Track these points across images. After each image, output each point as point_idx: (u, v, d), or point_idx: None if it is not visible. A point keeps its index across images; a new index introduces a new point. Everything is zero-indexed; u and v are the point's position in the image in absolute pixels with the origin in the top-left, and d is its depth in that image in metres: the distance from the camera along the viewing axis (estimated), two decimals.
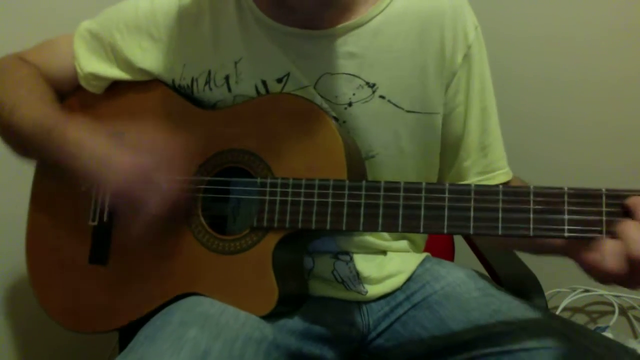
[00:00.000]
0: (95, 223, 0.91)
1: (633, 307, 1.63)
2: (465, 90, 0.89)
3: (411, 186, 0.73)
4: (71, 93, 0.98)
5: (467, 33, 0.88)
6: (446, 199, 0.70)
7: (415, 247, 1.01)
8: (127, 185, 0.79)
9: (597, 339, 0.75)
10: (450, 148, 0.92)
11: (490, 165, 0.92)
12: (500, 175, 0.92)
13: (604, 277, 0.64)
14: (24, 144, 0.89)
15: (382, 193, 0.74)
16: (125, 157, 0.80)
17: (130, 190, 0.79)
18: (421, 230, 0.71)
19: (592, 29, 1.50)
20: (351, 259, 0.90)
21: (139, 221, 0.80)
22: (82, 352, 1.39)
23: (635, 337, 1.65)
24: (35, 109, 0.87)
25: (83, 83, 0.96)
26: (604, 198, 0.64)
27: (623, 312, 1.65)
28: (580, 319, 1.68)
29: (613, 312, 1.63)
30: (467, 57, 0.88)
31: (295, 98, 0.84)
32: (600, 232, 0.64)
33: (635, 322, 1.64)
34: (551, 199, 0.66)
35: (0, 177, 1.16)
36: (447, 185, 0.71)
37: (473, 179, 0.91)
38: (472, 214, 0.69)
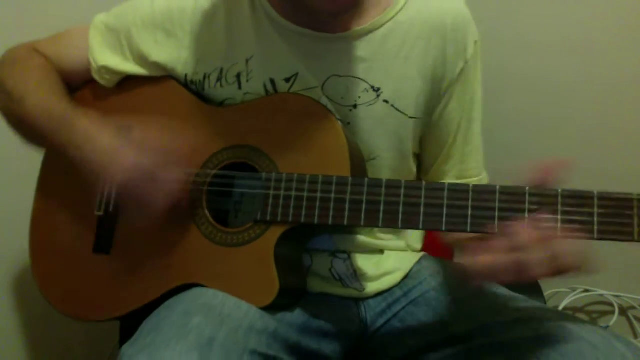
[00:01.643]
0: (101, 213, 0.92)
1: (633, 307, 1.63)
2: (458, 100, 0.92)
3: (412, 184, 0.74)
4: (83, 86, 0.99)
5: (466, 47, 0.90)
6: (445, 197, 0.72)
7: (413, 247, 1.02)
8: (132, 183, 0.80)
9: (592, 328, 0.75)
10: (433, 151, 0.95)
11: (466, 172, 0.96)
12: (473, 182, 0.95)
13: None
14: (33, 133, 0.90)
15: (383, 190, 0.75)
16: (131, 154, 0.81)
17: (134, 188, 0.80)
18: (420, 226, 0.73)
19: (592, 29, 1.49)
20: (349, 257, 0.92)
21: (142, 215, 0.82)
22: (83, 350, 1.39)
23: (635, 337, 1.64)
24: (45, 99, 0.88)
25: (96, 76, 0.96)
26: (595, 200, 0.66)
27: (623, 312, 1.64)
28: None
29: (613, 312, 1.62)
30: (463, 70, 0.91)
31: (302, 98, 0.85)
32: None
33: (635, 322, 1.64)
34: (546, 198, 0.67)
35: (4, 171, 1.16)
36: (446, 184, 0.73)
37: (448, 181, 0.94)
38: (469, 212, 0.71)
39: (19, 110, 0.89)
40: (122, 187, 0.81)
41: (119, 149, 0.81)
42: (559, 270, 0.64)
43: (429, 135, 0.94)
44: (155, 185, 0.80)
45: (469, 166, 0.96)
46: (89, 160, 0.83)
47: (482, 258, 0.65)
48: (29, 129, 0.91)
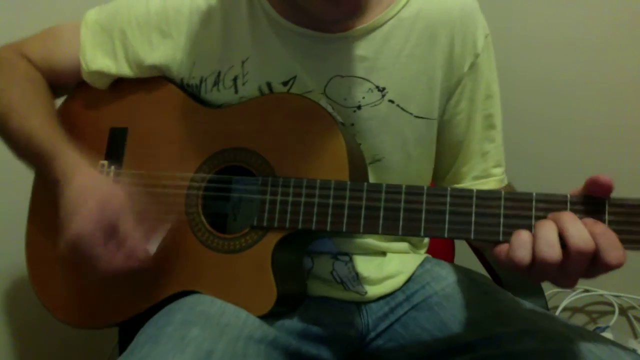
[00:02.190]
0: None
1: (633, 307, 1.64)
2: (470, 97, 0.89)
3: (413, 189, 0.72)
4: (75, 87, 0.97)
5: (476, 41, 0.88)
6: (447, 203, 0.70)
7: (415, 250, 1.00)
8: (76, 248, 0.77)
9: (600, 341, 0.74)
10: (450, 152, 0.93)
11: (486, 170, 0.92)
12: (492, 181, 0.92)
13: (510, 266, 0.64)
14: (17, 154, 0.90)
15: (383, 195, 0.73)
16: (82, 220, 0.77)
17: (82, 248, 0.77)
18: (422, 233, 0.71)
19: (593, 29, 1.49)
20: (350, 259, 0.90)
21: (88, 274, 0.80)
22: (82, 351, 1.39)
23: (635, 337, 1.65)
24: (26, 122, 0.87)
25: (87, 79, 0.94)
26: (606, 207, 0.63)
27: (623, 312, 1.65)
28: (580, 319, 1.68)
29: (613, 312, 1.63)
30: (474, 65, 0.88)
31: (300, 98, 0.83)
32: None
33: (635, 322, 1.65)
34: (554, 205, 0.65)
35: (1, 174, 1.15)
36: (448, 189, 0.70)
37: (467, 183, 0.92)
38: (473, 218, 0.68)
39: (4, 129, 0.89)
40: (72, 243, 0.77)
41: (78, 209, 0.78)
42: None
43: (443, 136, 0.91)
44: (91, 259, 0.77)
45: (491, 164, 0.92)
46: (62, 199, 0.80)
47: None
48: (13, 150, 0.90)
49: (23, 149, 0.88)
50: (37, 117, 0.88)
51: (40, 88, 0.92)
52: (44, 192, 0.95)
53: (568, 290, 1.63)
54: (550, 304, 1.61)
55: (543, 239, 0.62)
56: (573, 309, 1.67)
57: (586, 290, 1.63)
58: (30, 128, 0.86)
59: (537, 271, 0.62)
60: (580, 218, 0.63)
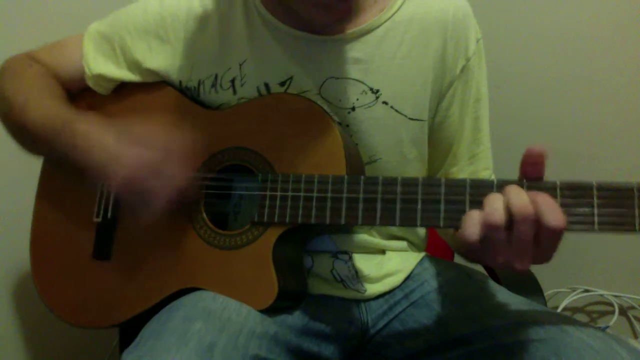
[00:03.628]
0: (100, 219, 0.92)
1: (633, 307, 1.63)
2: (461, 100, 0.91)
3: (408, 180, 0.73)
4: (78, 94, 0.99)
5: (468, 45, 0.90)
6: (442, 193, 0.71)
7: (414, 248, 1.01)
8: (135, 178, 0.78)
9: (593, 332, 0.74)
10: (440, 153, 0.95)
11: (475, 173, 0.94)
12: None
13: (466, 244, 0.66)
14: (34, 140, 0.89)
15: (380, 187, 0.75)
16: (134, 151, 0.78)
17: (138, 183, 0.78)
18: (418, 223, 0.72)
19: (592, 28, 1.50)
20: (350, 258, 0.91)
21: (146, 212, 0.80)
22: (83, 351, 1.39)
23: (635, 337, 1.64)
24: (45, 106, 0.88)
25: (91, 84, 0.96)
26: (594, 190, 0.65)
27: (623, 312, 1.64)
28: (580, 319, 1.65)
29: (613, 312, 1.63)
30: (465, 68, 0.90)
31: (297, 98, 0.85)
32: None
33: (635, 322, 1.64)
34: (544, 191, 0.66)
35: (4, 176, 1.16)
36: (443, 179, 0.72)
37: None
38: (467, 207, 0.69)
39: (20, 119, 0.89)
40: (125, 184, 0.78)
41: (121, 146, 0.79)
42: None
43: (434, 138, 0.93)
44: (159, 180, 0.78)
45: (479, 167, 0.95)
46: (90, 159, 0.80)
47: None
48: (30, 137, 0.90)
49: (41, 130, 0.86)
50: (56, 101, 0.90)
51: (55, 84, 0.94)
52: (50, 190, 0.97)
53: (565, 289, 1.63)
54: (550, 304, 1.61)
55: (488, 206, 0.65)
56: (573, 309, 1.66)
57: (586, 290, 1.63)
58: (49, 108, 0.87)
59: (487, 243, 0.64)
60: (566, 204, 0.65)
